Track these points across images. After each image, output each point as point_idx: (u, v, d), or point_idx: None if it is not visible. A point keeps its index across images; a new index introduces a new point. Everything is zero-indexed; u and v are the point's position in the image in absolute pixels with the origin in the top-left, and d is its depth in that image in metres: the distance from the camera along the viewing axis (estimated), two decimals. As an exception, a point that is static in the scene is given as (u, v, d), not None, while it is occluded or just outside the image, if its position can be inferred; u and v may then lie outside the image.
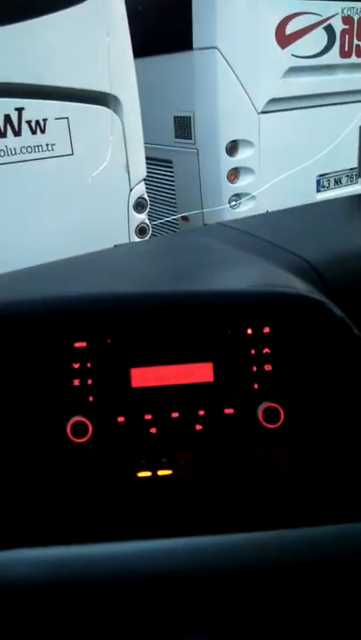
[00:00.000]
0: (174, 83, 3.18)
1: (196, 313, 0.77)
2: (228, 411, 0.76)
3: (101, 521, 0.74)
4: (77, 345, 0.77)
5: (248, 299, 0.78)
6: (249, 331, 0.77)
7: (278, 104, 3.12)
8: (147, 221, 2.83)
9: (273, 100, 3.08)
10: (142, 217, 2.81)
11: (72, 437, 0.75)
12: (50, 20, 2.28)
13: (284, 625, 0.77)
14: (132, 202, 2.74)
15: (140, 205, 2.79)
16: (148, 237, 2.86)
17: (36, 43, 2.27)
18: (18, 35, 2.21)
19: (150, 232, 2.87)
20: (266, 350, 0.77)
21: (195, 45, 2.94)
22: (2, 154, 2.27)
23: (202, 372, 0.77)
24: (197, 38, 2.92)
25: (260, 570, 0.72)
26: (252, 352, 0.77)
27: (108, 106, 2.48)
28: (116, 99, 2.49)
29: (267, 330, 0.77)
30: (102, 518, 0.74)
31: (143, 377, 0.77)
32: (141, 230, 2.83)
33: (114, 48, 2.45)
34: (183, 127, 3.17)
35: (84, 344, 0.77)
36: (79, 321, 0.77)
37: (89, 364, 0.77)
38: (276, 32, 3.01)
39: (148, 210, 2.82)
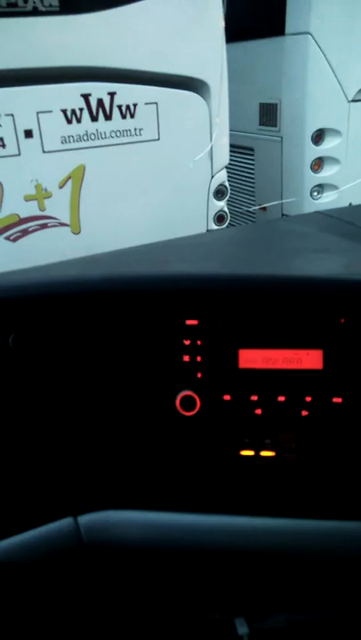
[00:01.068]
0: (262, 69, 3.13)
1: (310, 299, 0.77)
2: (337, 400, 0.75)
3: (204, 493, 0.76)
4: (189, 322, 0.79)
5: (365, 287, 0.76)
6: (363, 320, 0.76)
7: (370, 92, 2.99)
8: (226, 209, 2.82)
9: (365, 89, 2.96)
10: (222, 204, 2.80)
11: (181, 410, 0.77)
12: (143, 6, 2.30)
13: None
14: (212, 189, 2.74)
15: (220, 192, 2.79)
16: (225, 225, 2.85)
17: (130, 28, 2.30)
18: (112, 20, 2.24)
19: (228, 220, 2.85)
20: (380, 341, 0.75)
21: (287, 31, 2.87)
22: (93, 137, 2.33)
23: (311, 359, 0.77)
24: (290, 23, 2.85)
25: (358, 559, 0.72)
26: (366, 342, 0.76)
27: (196, 91, 2.48)
28: (205, 84, 2.48)
29: (382, 320, 0.76)
30: (205, 490, 0.76)
31: (251, 358, 0.78)
32: (220, 218, 2.83)
33: (207, 33, 2.44)
34: (268, 114, 3.12)
35: (195, 322, 0.79)
36: (192, 299, 0.79)
37: (199, 342, 0.79)
38: (372, 17, 2.88)
39: (227, 197, 2.81)
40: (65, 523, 0.71)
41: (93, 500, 0.74)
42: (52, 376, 0.76)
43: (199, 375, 0.78)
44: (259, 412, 0.77)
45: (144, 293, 0.80)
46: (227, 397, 0.78)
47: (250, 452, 0.77)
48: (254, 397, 0.77)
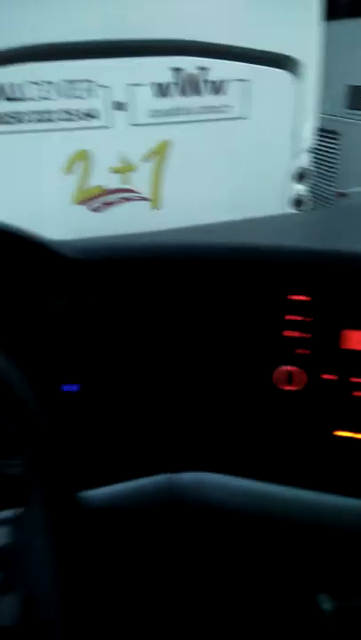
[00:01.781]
0: (353, 50, 3.00)
1: None
2: None
3: (296, 467, 0.77)
4: (293, 297, 0.79)
5: None
6: None
7: None
8: (306, 192, 2.75)
9: None
10: (302, 187, 2.74)
11: (278, 385, 0.77)
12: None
13: None
14: (294, 171, 2.68)
15: (301, 175, 2.72)
16: (304, 209, 2.79)
17: (225, 2, 2.26)
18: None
19: (308, 204, 2.79)
20: None
21: (387, 8, 2.73)
22: (181, 112, 2.33)
23: None
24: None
25: None
26: None
27: (289, 70, 2.42)
28: (298, 63, 2.41)
29: None
30: (297, 464, 0.77)
31: (354, 339, 0.77)
32: (299, 201, 2.77)
33: (303, 10, 2.36)
34: (358, 97, 3.00)
35: (298, 297, 0.78)
36: (300, 274, 0.78)
37: (301, 318, 0.78)
38: None
39: (308, 181, 2.74)
40: (161, 479, 0.74)
41: (190, 461, 0.77)
42: (153, 338, 0.79)
43: (299, 351, 0.78)
44: (358, 394, 0.76)
45: (252, 264, 0.80)
46: (326, 376, 0.77)
47: (346, 433, 0.76)
48: (355, 379, 0.76)
